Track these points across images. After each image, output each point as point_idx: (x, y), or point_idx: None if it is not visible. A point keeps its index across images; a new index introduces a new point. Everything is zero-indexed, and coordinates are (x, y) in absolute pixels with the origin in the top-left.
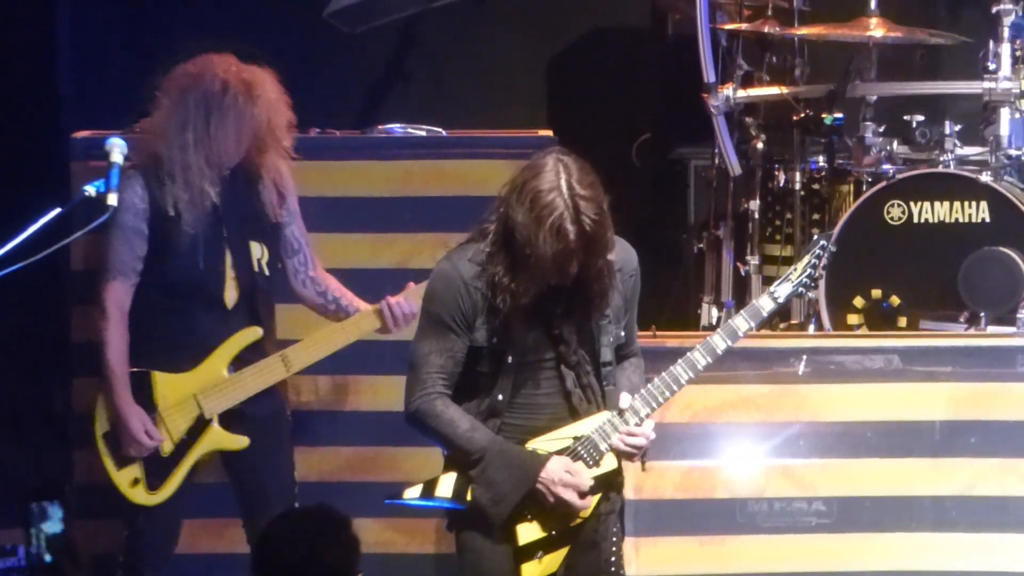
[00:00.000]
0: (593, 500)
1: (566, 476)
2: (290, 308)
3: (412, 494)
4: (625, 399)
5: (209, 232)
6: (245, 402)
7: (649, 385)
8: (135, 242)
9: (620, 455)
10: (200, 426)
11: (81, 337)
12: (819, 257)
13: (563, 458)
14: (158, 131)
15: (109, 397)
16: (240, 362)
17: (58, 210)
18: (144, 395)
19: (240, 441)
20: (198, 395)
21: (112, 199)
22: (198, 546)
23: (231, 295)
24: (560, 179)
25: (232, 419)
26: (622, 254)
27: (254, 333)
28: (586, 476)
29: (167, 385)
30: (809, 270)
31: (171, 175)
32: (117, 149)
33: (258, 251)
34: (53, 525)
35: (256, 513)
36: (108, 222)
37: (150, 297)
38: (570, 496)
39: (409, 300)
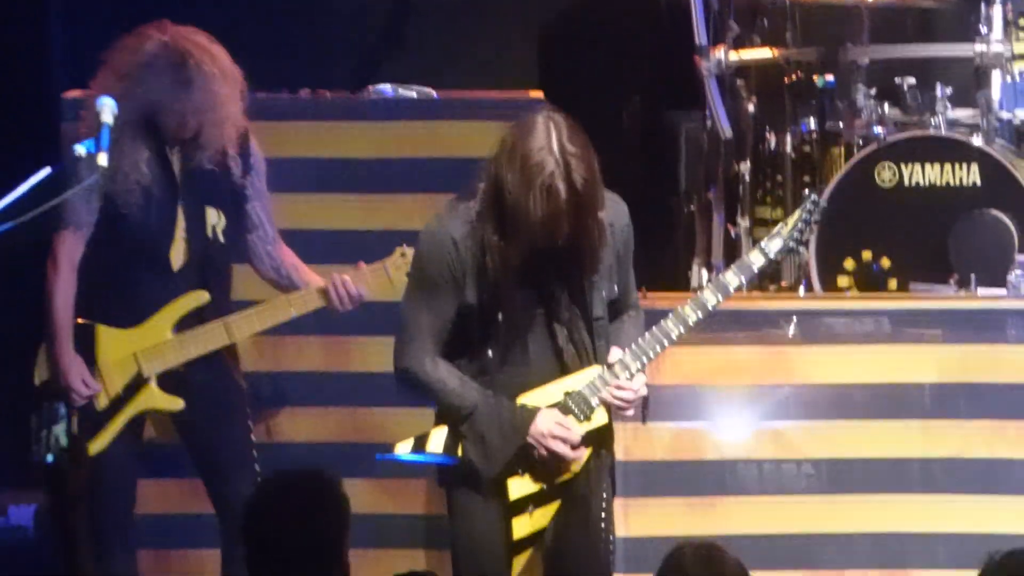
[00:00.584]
0: (584, 453)
1: (556, 429)
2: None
3: (403, 449)
4: (615, 353)
5: (163, 194)
6: (189, 369)
7: (640, 340)
8: (91, 195)
9: (610, 409)
10: (137, 384)
11: None
12: (810, 213)
13: (553, 411)
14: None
15: (50, 347)
16: (185, 325)
17: (48, 170)
18: (86, 347)
19: (175, 402)
20: (138, 353)
21: (102, 159)
22: (181, 506)
23: (178, 257)
24: (551, 138)
25: (173, 383)
26: (613, 210)
27: (200, 297)
28: (576, 429)
29: (109, 340)
30: (800, 225)
31: (117, 138)
32: (107, 109)
33: (214, 217)
34: (60, 427)
35: (212, 475)
36: (64, 175)
37: (100, 253)
38: (561, 448)
39: (358, 283)
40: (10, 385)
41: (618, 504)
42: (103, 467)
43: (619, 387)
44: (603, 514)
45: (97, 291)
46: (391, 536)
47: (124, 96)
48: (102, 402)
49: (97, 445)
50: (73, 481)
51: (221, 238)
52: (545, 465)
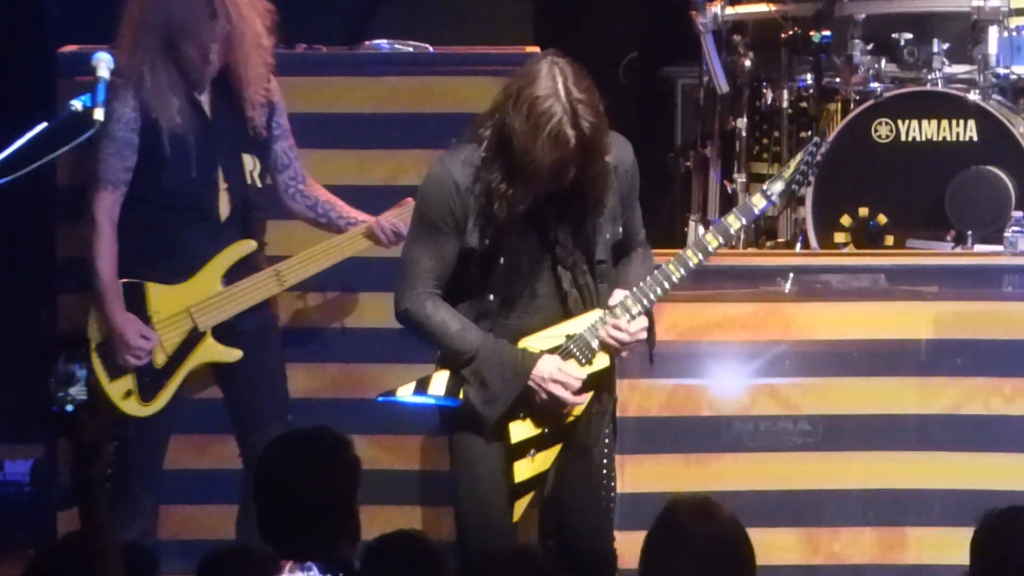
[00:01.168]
0: (586, 398)
1: (557, 374)
2: (281, 224)
3: (405, 392)
4: (617, 295)
5: (201, 143)
6: (237, 316)
7: (641, 283)
8: (126, 152)
9: (609, 350)
10: (193, 339)
11: (66, 253)
12: (812, 155)
13: (555, 356)
14: (135, 46)
15: (101, 308)
16: (233, 275)
17: (44, 125)
18: (137, 307)
19: (233, 354)
20: (191, 308)
21: (99, 114)
22: (185, 462)
23: (224, 207)
24: (557, 83)
25: (224, 332)
26: (618, 151)
27: (248, 246)
28: (578, 373)
29: (160, 297)
30: (802, 167)
31: (154, 86)
32: (104, 64)
33: (250, 163)
34: (78, 387)
35: (251, 427)
36: (99, 133)
37: (143, 209)
38: (561, 392)
39: (400, 219)
40: (5, 342)
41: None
42: (144, 422)
43: (616, 327)
44: (604, 460)
45: (143, 248)
46: (388, 492)
47: (151, 34)
48: (160, 359)
49: (159, 402)
50: (91, 429)
51: (258, 182)
52: (546, 409)
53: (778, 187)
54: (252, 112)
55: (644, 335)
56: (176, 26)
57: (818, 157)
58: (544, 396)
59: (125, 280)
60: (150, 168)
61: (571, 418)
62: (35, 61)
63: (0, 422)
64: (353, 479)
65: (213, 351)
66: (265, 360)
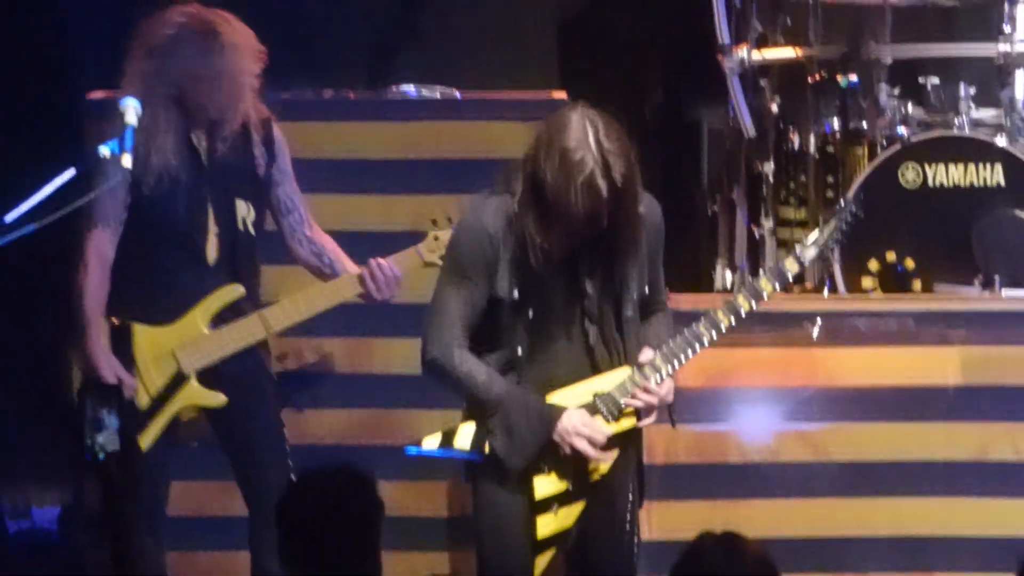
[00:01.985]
0: (612, 455)
1: (582, 428)
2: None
3: (431, 444)
4: (646, 354)
5: (192, 186)
6: (225, 361)
7: (671, 342)
8: (118, 192)
9: (637, 411)
10: (177, 381)
11: None
12: (847, 222)
13: (581, 411)
14: (134, 87)
15: (82, 346)
16: (221, 320)
17: (72, 171)
18: (123, 347)
19: (217, 398)
20: (176, 350)
21: (127, 160)
22: (201, 509)
23: (212, 251)
24: (588, 134)
25: (210, 376)
26: (646, 209)
27: (235, 291)
28: (603, 429)
29: (146, 338)
30: (836, 235)
31: (152, 130)
32: (132, 109)
33: (244, 209)
34: (105, 435)
35: (249, 472)
36: (92, 172)
37: (132, 249)
38: (585, 447)
39: (397, 264)
40: (34, 389)
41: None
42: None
43: (646, 390)
44: (628, 516)
45: (131, 289)
46: (415, 538)
47: (153, 72)
48: (144, 401)
49: (143, 443)
50: (123, 478)
51: (252, 230)
52: (571, 464)
53: (811, 253)
54: (254, 154)
55: (671, 397)
56: (182, 66)
57: (852, 223)
58: (568, 450)
59: (112, 320)
60: (141, 207)
61: (596, 475)
62: (64, 106)
63: (28, 468)
64: (376, 518)
65: (197, 394)
66: (255, 404)
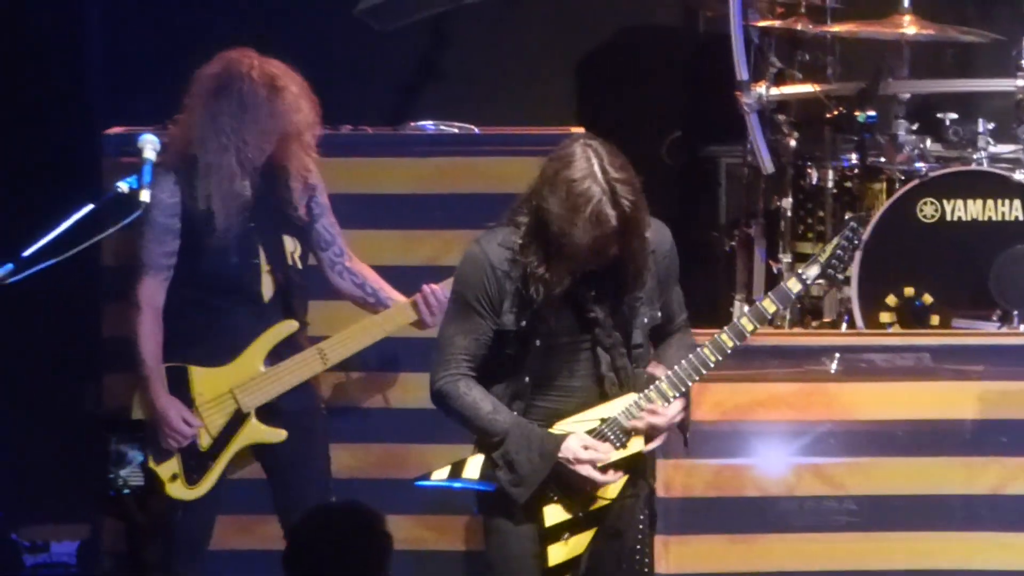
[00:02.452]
0: (617, 478)
1: (582, 452)
2: (323, 305)
3: (440, 475)
4: (657, 370)
5: (241, 227)
6: (280, 398)
7: (677, 367)
8: (166, 238)
9: (643, 434)
10: (237, 420)
11: (112, 333)
12: (848, 240)
13: (581, 435)
14: (190, 135)
15: (144, 392)
16: (276, 356)
17: (91, 206)
18: (181, 390)
19: (278, 434)
20: (235, 389)
21: (145, 195)
22: (231, 543)
23: (267, 289)
24: (592, 165)
25: (268, 413)
26: (656, 235)
27: (290, 326)
28: (605, 451)
29: (204, 380)
30: (838, 252)
31: (204, 174)
32: (149, 145)
33: (291, 245)
34: (128, 470)
35: (291, 508)
36: (141, 219)
37: (185, 293)
38: (589, 471)
39: (446, 290)
40: (54, 423)
41: (659, 540)
42: (190, 504)
43: (652, 411)
44: (639, 545)
45: (186, 331)
46: (431, 572)
47: (215, 122)
48: (205, 441)
49: (205, 485)
50: (146, 512)
51: (299, 264)
52: (577, 489)
53: (813, 271)
54: (295, 195)
55: (679, 418)
56: (248, 103)
57: (856, 241)
58: (573, 477)
59: (169, 364)
60: (192, 253)
61: (604, 501)
62: (82, 142)
63: (46, 503)
64: (384, 553)
65: (258, 432)
66: (308, 441)
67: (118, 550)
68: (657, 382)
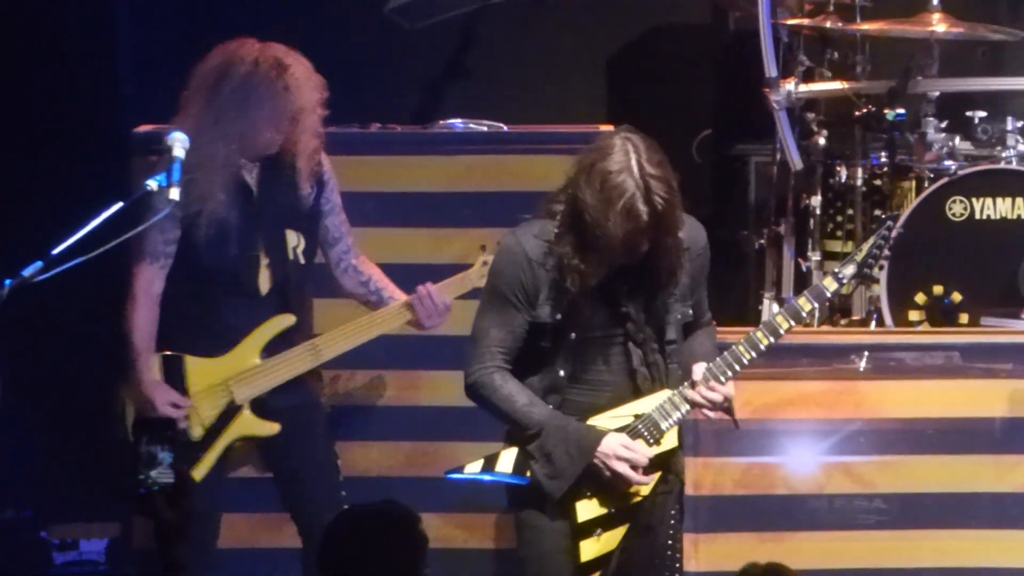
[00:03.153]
0: (652, 478)
1: (622, 451)
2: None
3: (473, 468)
4: (698, 370)
5: (243, 219)
6: (274, 393)
7: (711, 364)
8: (166, 226)
9: (681, 434)
10: (230, 412)
11: None
12: (884, 238)
13: (620, 434)
14: (191, 120)
15: (134, 378)
16: (272, 350)
17: (120, 205)
18: (175, 379)
19: (271, 427)
20: (229, 381)
21: (174, 193)
22: (252, 541)
23: (264, 283)
24: (630, 159)
25: (263, 408)
26: (691, 232)
27: (287, 320)
28: (644, 451)
29: (198, 370)
30: (874, 251)
31: (206, 164)
32: (179, 143)
33: (294, 239)
34: (162, 471)
35: (302, 504)
36: (141, 207)
37: (183, 283)
38: (626, 470)
39: (444, 292)
40: (82, 422)
41: (688, 538)
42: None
43: (712, 388)
44: (670, 541)
45: (183, 322)
46: (462, 570)
47: (217, 110)
48: (197, 432)
49: (197, 474)
50: (175, 511)
51: (301, 259)
52: (612, 487)
53: (850, 270)
54: (303, 185)
55: (733, 393)
56: (251, 88)
57: (891, 240)
58: (608, 474)
59: (164, 353)
60: (192, 243)
61: (638, 498)
62: (111, 140)
63: (76, 501)
64: (419, 553)
65: (250, 424)
66: (306, 435)
67: (147, 548)
68: (702, 373)
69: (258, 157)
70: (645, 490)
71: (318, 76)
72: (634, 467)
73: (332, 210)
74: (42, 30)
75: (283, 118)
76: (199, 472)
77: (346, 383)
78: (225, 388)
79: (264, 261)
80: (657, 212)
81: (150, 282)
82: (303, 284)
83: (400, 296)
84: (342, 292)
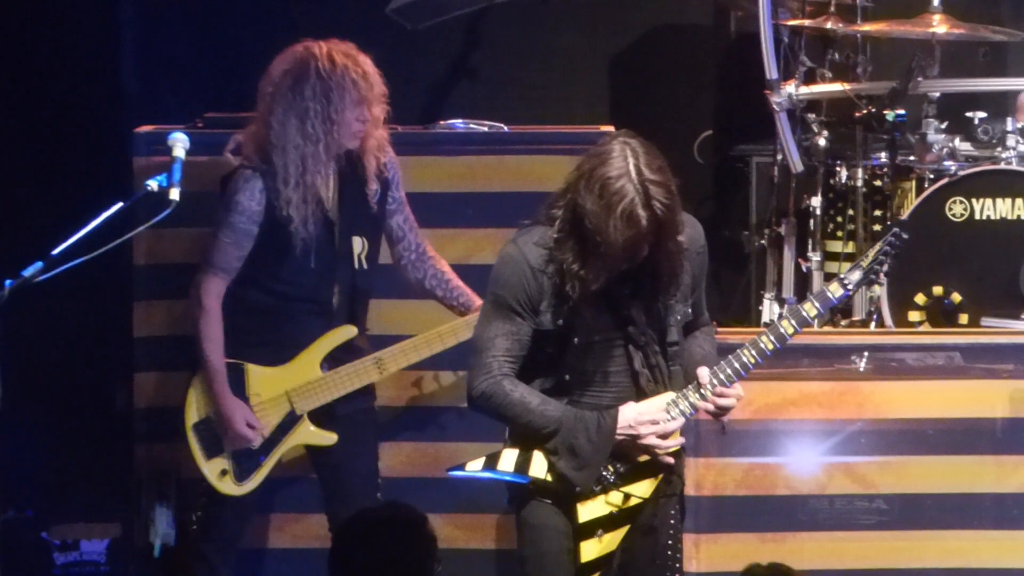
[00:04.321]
0: (675, 442)
1: (642, 416)
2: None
3: (475, 466)
4: (704, 374)
5: (321, 236)
6: (335, 402)
7: (717, 368)
8: (243, 243)
9: (707, 412)
10: (290, 421)
11: (143, 332)
12: (891, 245)
13: (629, 405)
14: (273, 131)
15: (208, 390)
16: (333, 360)
17: (121, 205)
18: (237, 387)
19: (329, 438)
20: (290, 392)
21: (174, 193)
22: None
23: (336, 296)
24: (629, 164)
25: (322, 415)
26: (689, 232)
27: (348, 332)
28: (660, 415)
29: (260, 379)
30: (880, 257)
31: (285, 177)
32: (180, 144)
33: (359, 246)
34: (166, 531)
35: (339, 507)
36: (221, 220)
37: (255, 294)
38: (651, 431)
39: None
40: (83, 422)
41: (689, 539)
42: (237, 500)
43: (722, 394)
44: (670, 541)
45: (250, 331)
46: (462, 570)
47: (304, 108)
48: (256, 440)
49: (254, 482)
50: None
51: (365, 265)
52: (638, 457)
53: (856, 276)
54: (368, 189)
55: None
56: (333, 84)
57: (898, 246)
58: (640, 443)
59: (227, 360)
60: (271, 258)
61: (638, 499)
62: (112, 140)
63: (77, 501)
64: (428, 555)
65: (309, 434)
66: (359, 442)
67: (148, 548)
68: (708, 376)
69: (343, 152)
70: (646, 491)
71: (383, 83)
72: (656, 425)
73: (397, 209)
74: (45, 30)
75: (365, 106)
76: (257, 479)
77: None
78: (286, 398)
79: (337, 274)
80: (657, 217)
81: (219, 295)
82: (368, 290)
83: (464, 290)
84: (410, 291)
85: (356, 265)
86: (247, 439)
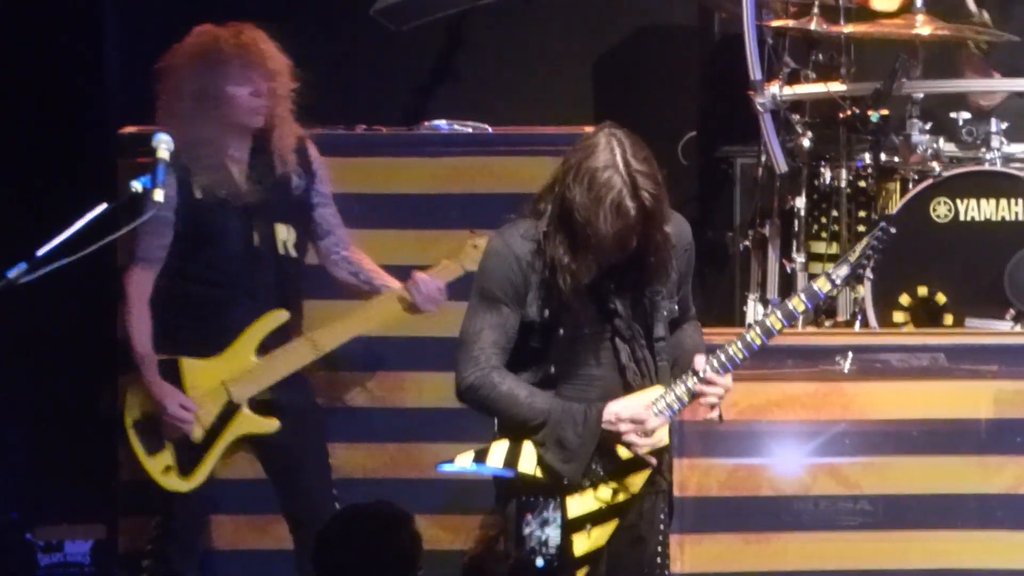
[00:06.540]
0: (644, 474)
1: (623, 412)
2: (320, 304)
3: (464, 461)
4: (700, 362)
5: (236, 217)
6: (275, 391)
7: (711, 357)
8: (161, 230)
9: (671, 432)
10: (230, 411)
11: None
12: (879, 240)
13: (615, 400)
14: (174, 115)
15: (139, 382)
16: (267, 347)
17: (104, 206)
18: (173, 383)
19: (270, 424)
20: (226, 381)
21: (159, 195)
22: (242, 542)
23: (260, 279)
24: (615, 155)
25: (261, 406)
26: (676, 228)
27: (280, 317)
28: (643, 411)
29: (195, 372)
30: (868, 252)
31: (193, 159)
32: (164, 145)
33: (284, 232)
34: None
35: (297, 504)
36: (135, 210)
37: (179, 285)
38: (630, 429)
39: (438, 277)
40: (67, 423)
41: (673, 540)
42: (185, 497)
43: (710, 382)
44: (659, 548)
45: (178, 323)
46: (447, 571)
47: (198, 86)
48: (197, 434)
49: (199, 476)
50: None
51: (293, 252)
52: (613, 471)
53: (843, 271)
54: (291, 179)
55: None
56: (225, 60)
57: (886, 240)
58: (617, 443)
59: (160, 357)
60: (189, 244)
61: (627, 495)
62: (96, 141)
63: (61, 503)
64: (413, 554)
65: (250, 423)
66: (304, 435)
67: (132, 550)
68: (702, 366)
69: (240, 149)
70: (635, 487)
71: (288, 60)
72: (636, 422)
73: (322, 202)
74: (28, 31)
75: (258, 77)
76: (201, 475)
77: (329, 385)
78: (223, 388)
79: (261, 261)
80: (645, 207)
81: (143, 286)
82: (298, 278)
83: (393, 284)
84: (335, 284)
85: (282, 251)
86: (183, 420)
